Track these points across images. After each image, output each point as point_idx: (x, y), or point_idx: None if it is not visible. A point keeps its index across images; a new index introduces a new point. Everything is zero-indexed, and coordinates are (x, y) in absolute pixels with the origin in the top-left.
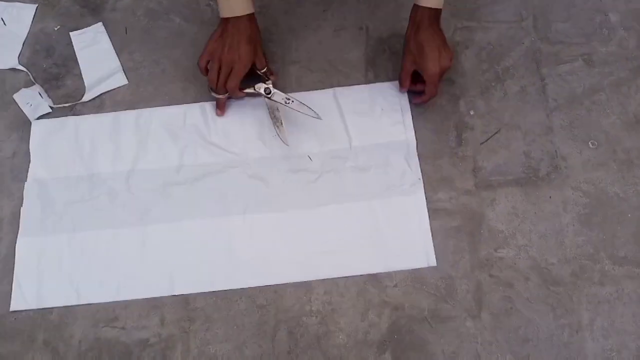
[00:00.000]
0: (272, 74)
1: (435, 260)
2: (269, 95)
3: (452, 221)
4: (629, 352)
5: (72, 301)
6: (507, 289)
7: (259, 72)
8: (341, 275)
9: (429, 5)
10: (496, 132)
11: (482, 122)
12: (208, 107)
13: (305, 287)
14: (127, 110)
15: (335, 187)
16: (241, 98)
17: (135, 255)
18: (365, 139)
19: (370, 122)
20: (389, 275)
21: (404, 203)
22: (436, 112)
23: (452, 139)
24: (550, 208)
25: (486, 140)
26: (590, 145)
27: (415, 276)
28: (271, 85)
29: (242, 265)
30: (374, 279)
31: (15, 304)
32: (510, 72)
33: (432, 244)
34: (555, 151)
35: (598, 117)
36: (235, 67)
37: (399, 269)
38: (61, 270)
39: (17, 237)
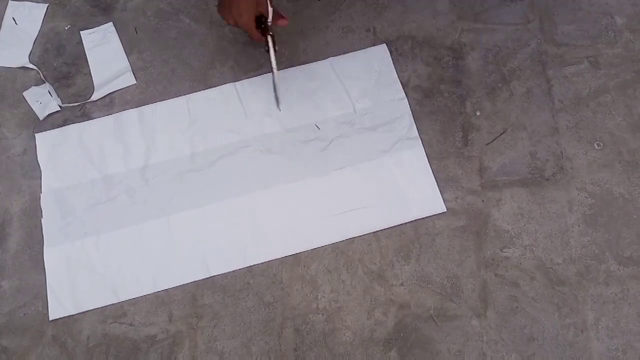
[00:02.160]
0: (282, 17)
1: (444, 206)
2: (268, 51)
3: (458, 221)
4: (634, 352)
5: (111, 300)
6: (513, 289)
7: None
8: (365, 233)
9: None
10: (502, 133)
11: (488, 123)
12: (210, 93)
13: (311, 285)
14: (128, 110)
15: (346, 151)
16: (264, 42)
17: (165, 246)
18: (367, 101)
19: (369, 84)
20: (395, 274)
21: (410, 156)
22: (442, 113)
23: (458, 140)
24: (556, 208)
25: (492, 141)
26: (596, 147)
27: (421, 275)
28: (271, 43)
29: (271, 237)
30: (380, 277)
31: (54, 313)
32: (516, 73)
33: (439, 192)
34: (561, 152)
35: (604, 118)
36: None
37: (415, 218)
38: (94, 272)
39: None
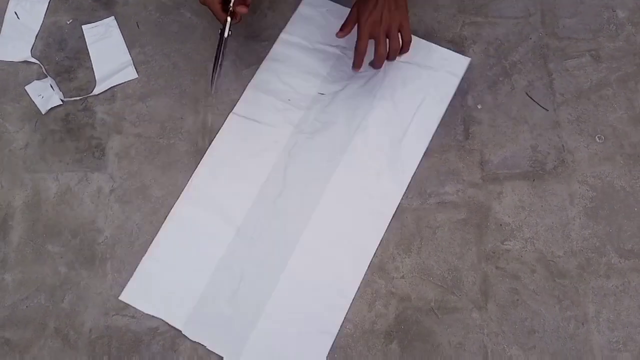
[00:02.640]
0: (243, 4)
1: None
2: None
3: (459, 214)
4: (634, 345)
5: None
6: (514, 281)
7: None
8: None
9: None
10: (503, 126)
11: (490, 116)
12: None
13: None
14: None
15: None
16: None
17: None
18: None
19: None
20: (396, 266)
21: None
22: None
23: (460, 133)
24: (557, 201)
25: (493, 134)
26: (597, 140)
27: (422, 267)
28: (227, 26)
29: None
30: (381, 270)
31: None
32: (518, 67)
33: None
34: (562, 145)
35: (605, 111)
36: None
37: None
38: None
39: (38, 224)
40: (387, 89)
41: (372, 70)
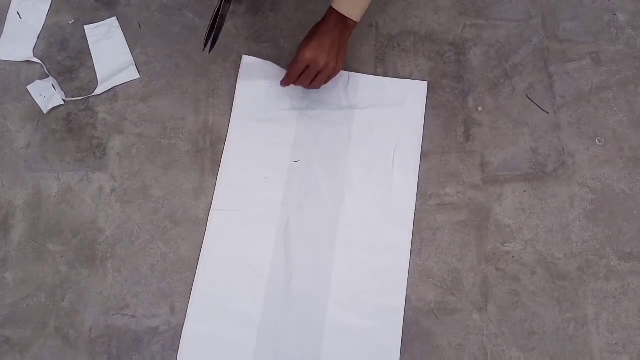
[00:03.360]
0: None
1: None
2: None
3: (460, 215)
4: (634, 347)
5: None
6: (514, 283)
7: None
8: None
9: (339, 10)
10: (504, 128)
11: (490, 118)
12: None
13: None
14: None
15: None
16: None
17: None
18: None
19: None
20: None
21: None
22: (444, 108)
23: (460, 135)
24: (557, 204)
25: (494, 136)
26: (597, 143)
27: (422, 269)
28: None
29: None
30: None
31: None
32: (519, 69)
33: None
34: (563, 148)
35: (605, 114)
36: None
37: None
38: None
39: (39, 224)
40: (358, 139)
41: (337, 124)
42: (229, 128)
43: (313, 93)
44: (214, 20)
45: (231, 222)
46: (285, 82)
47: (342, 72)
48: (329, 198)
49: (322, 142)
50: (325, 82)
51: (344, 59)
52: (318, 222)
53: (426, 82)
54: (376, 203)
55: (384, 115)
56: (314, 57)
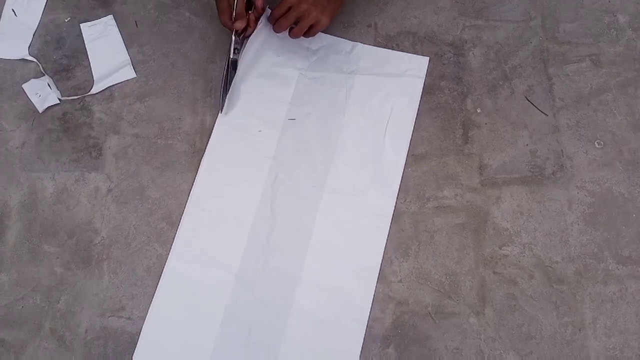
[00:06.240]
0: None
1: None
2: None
3: (457, 218)
4: (631, 351)
5: None
6: (511, 287)
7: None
8: None
9: None
10: (502, 131)
11: (489, 120)
12: None
13: None
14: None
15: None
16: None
17: None
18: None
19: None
20: (393, 270)
21: None
22: (443, 110)
23: (459, 137)
24: (556, 207)
25: (492, 139)
26: (597, 145)
27: (419, 272)
28: (233, 43)
29: None
30: (379, 274)
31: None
32: (518, 71)
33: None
34: (561, 150)
35: (604, 117)
36: None
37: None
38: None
39: (34, 224)
40: (354, 104)
41: (336, 87)
42: (234, 78)
43: (316, 56)
44: (226, 81)
45: (220, 172)
46: (270, 22)
47: (346, 41)
48: (319, 158)
49: (319, 103)
50: (308, 33)
51: (333, 14)
52: (306, 180)
53: (428, 58)
54: (365, 168)
55: (382, 84)
56: (297, 0)
